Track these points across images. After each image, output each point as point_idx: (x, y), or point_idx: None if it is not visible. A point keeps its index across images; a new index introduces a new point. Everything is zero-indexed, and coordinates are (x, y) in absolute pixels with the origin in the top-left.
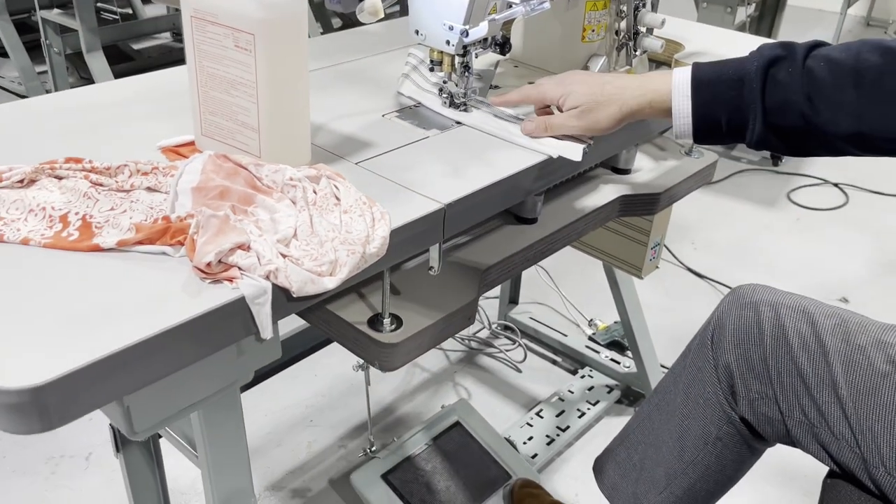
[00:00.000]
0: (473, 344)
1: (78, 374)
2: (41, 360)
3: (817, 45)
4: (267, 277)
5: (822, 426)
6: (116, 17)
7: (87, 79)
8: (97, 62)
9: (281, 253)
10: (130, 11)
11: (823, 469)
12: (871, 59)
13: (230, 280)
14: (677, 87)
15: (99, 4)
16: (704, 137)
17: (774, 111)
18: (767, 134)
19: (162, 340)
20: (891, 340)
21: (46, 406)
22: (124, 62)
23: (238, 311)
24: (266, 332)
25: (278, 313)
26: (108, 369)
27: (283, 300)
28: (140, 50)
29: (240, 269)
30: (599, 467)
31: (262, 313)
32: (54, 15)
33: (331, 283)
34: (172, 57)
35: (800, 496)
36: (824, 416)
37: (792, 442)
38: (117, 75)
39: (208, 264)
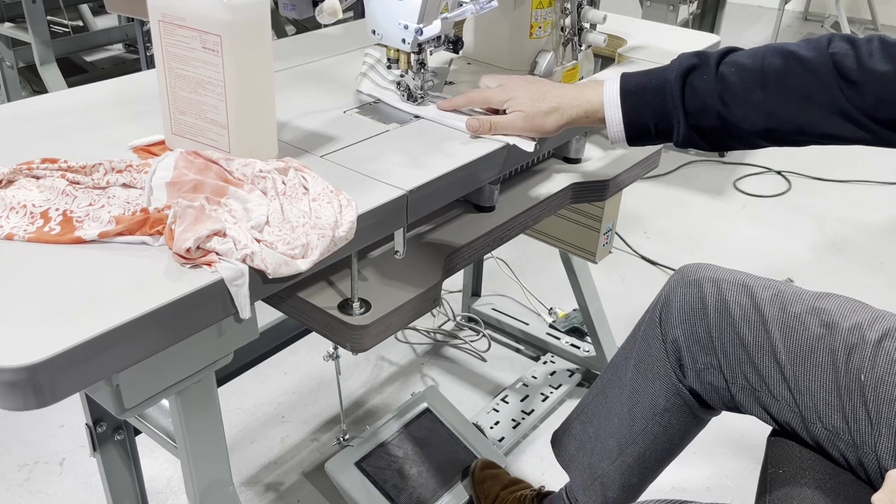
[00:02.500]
0: (439, 336)
1: (70, 353)
2: (36, 342)
3: (729, 51)
4: (243, 261)
5: (764, 390)
6: (67, 29)
7: (40, 92)
8: (51, 74)
9: (255, 238)
10: (81, 24)
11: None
12: (774, 62)
13: (209, 264)
14: (608, 98)
15: (49, 17)
16: (636, 141)
17: (694, 114)
18: (691, 133)
19: (147, 322)
20: (823, 306)
21: (41, 383)
22: (77, 74)
23: (217, 293)
24: (244, 312)
25: (255, 294)
26: (97, 349)
27: (260, 281)
28: (93, 62)
29: (217, 253)
30: (557, 441)
31: (241, 294)
32: (6, 28)
33: (304, 265)
34: (126, 68)
35: (753, 464)
36: (765, 381)
37: (737, 407)
38: (71, 87)
39: (187, 250)
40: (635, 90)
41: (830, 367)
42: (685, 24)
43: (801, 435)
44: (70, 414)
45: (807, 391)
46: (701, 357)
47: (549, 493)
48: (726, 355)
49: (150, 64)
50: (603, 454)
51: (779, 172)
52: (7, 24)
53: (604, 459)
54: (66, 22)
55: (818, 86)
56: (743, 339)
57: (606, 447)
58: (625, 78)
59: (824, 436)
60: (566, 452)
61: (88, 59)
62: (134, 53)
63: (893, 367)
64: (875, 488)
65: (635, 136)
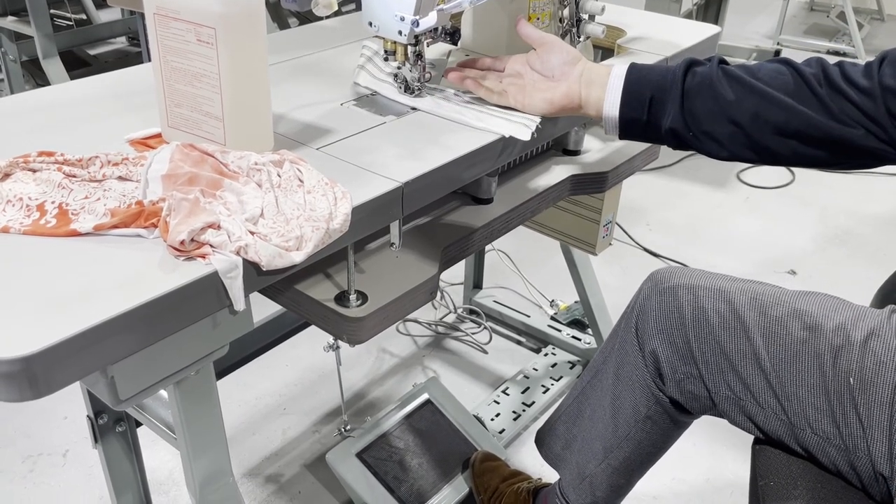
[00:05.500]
0: (440, 328)
1: (65, 345)
2: (30, 333)
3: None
4: (237, 253)
5: (748, 398)
6: (71, 23)
7: (43, 85)
8: (54, 68)
9: (249, 230)
10: (84, 17)
11: None
12: (769, 63)
13: (203, 257)
14: (615, 73)
15: (53, 11)
16: (629, 110)
17: (691, 92)
18: (681, 118)
19: (141, 313)
20: (804, 308)
21: (36, 375)
22: (81, 68)
23: (211, 285)
24: (239, 304)
25: (250, 286)
26: (92, 340)
27: (254, 274)
28: (96, 55)
29: (211, 246)
30: (541, 441)
31: (235, 286)
32: (8, 22)
33: (298, 257)
34: (129, 62)
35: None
36: (749, 389)
37: (719, 414)
38: (74, 80)
39: (182, 243)
40: (642, 67)
41: (817, 371)
42: (689, 15)
43: (789, 443)
44: (73, 406)
45: (794, 397)
46: (680, 367)
47: (546, 485)
48: (707, 365)
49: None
50: (589, 455)
51: None
52: (10, 18)
53: (590, 461)
54: (69, 15)
55: (807, 87)
56: (723, 347)
57: (592, 449)
58: (634, 63)
59: (814, 442)
60: (552, 451)
61: (92, 52)
62: (137, 47)
63: (881, 368)
64: (868, 493)
65: (629, 106)
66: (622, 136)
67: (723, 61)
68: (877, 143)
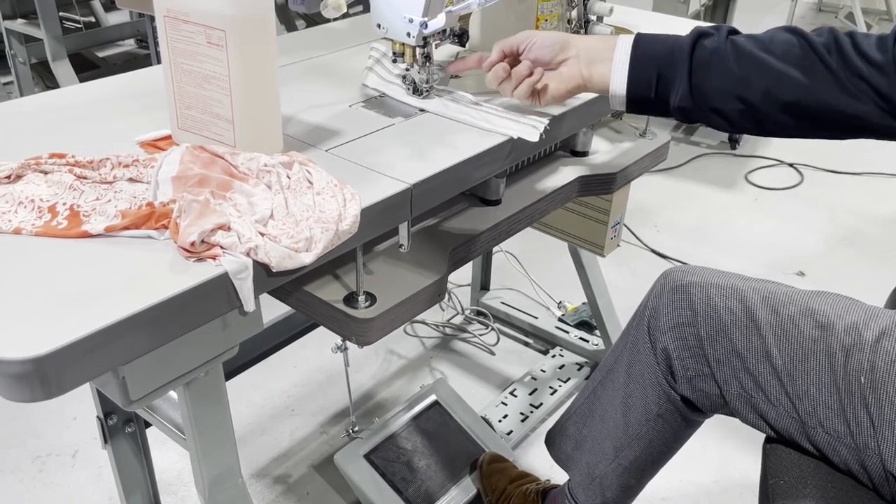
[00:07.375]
0: (448, 330)
1: (76, 346)
2: (42, 334)
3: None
4: (247, 254)
5: (760, 396)
6: (80, 25)
7: (52, 87)
8: (63, 70)
9: (259, 232)
10: (93, 19)
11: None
12: (783, 35)
13: (213, 258)
14: (621, 45)
15: (62, 13)
16: (636, 85)
17: (699, 68)
18: (689, 94)
19: (152, 314)
20: (816, 307)
21: (48, 375)
22: (90, 70)
23: (222, 286)
24: (249, 305)
25: (260, 287)
26: (103, 341)
27: (264, 275)
28: (105, 57)
29: (222, 247)
30: (551, 441)
31: (245, 287)
32: (18, 25)
33: (307, 258)
34: (137, 64)
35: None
36: (761, 387)
37: (730, 413)
38: (83, 83)
39: (192, 244)
40: (646, 41)
41: (829, 370)
42: (697, 15)
43: (800, 441)
44: (83, 406)
45: (805, 395)
46: (692, 365)
47: (555, 486)
48: (719, 362)
49: (161, 59)
50: (600, 455)
51: (791, 165)
52: (19, 21)
53: (601, 461)
54: (78, 18)
55: (819, 61)
56: (735, 345)
57: (603, 449)
58: (640, 33)
59: (825, 440)
60: (562, 452)
61: (100, 54)
62: (145, 49)
63: (893, 367)
64: (879, 492)
65: (636, 84)
66: (629, 111)
67: (732, 31)
68: (890, 122)
